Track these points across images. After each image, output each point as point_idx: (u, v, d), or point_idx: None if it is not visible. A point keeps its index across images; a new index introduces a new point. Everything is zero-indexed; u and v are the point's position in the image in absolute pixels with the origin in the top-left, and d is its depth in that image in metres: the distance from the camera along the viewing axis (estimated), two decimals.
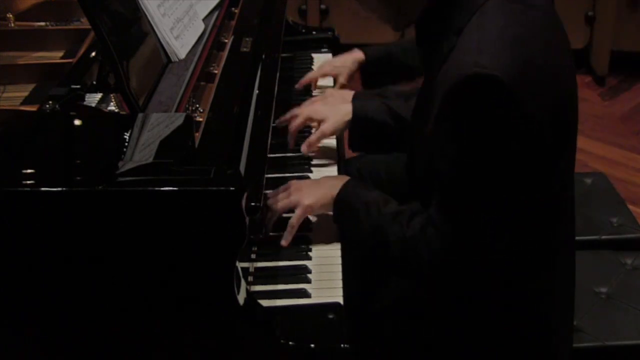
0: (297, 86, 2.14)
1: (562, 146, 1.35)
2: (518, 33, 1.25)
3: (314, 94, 2.18)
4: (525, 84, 1.21)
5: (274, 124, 1.81)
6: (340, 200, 1.51)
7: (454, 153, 1.26)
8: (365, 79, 2.16)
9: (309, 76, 2.14)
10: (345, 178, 1.56)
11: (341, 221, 1.53)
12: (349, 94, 1.84)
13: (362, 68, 2.14)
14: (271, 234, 1.56)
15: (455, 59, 1.25)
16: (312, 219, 1.62)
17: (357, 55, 2.13)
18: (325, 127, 1.77)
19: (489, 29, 1.25)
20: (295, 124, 1.80)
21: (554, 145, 1.32)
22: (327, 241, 1.57)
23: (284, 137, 1.85)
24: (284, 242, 1.52)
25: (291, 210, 1.54)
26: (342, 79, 2.12)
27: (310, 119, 1.80)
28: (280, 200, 1.54)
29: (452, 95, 1.22)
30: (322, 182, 1.59)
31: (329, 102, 1.83)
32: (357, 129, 1.79)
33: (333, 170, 1.80)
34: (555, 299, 1.51)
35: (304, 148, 1.77)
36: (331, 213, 1.56)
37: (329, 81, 2.22)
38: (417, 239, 1.38)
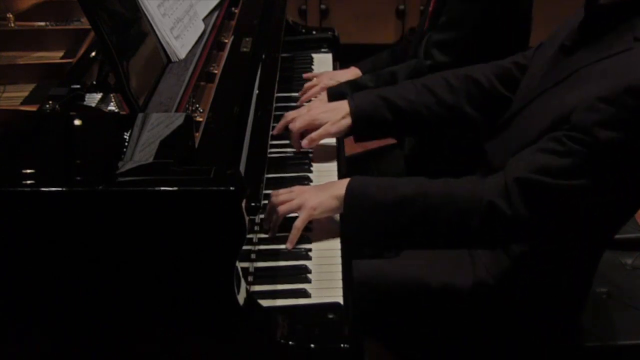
0: (300, 101, 2.13)
1: None
2: None
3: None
4: None
5: (274, 124, 1.82)
6: (351, 194, 1.52)
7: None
8: None
9: (312, 92, 2.13)
10: (348, 178, 1.57)
11: (353, 214, 1.53)
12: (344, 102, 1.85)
13: None
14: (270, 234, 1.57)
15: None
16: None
17: (356, 72, 2.23)
18: (329, 126, 1.79)
19: None
20: (297, 125, 1.80)
21: None
22: (327, 241, 1.57)
23: (285, 137, 1.85)
24: (289, 245, 1.53)
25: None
26: None
27: (312, 125, 1.81)
28: (284, 204, 1.55)
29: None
30: (325, 186, 1.60)
31: (327, 107, 1.84)
32: (358, 127, 1.81)
33: (333, 170, 1.80)
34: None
35: (304, 142, 1.78)
36: (335, 217, 1.58)
37: None
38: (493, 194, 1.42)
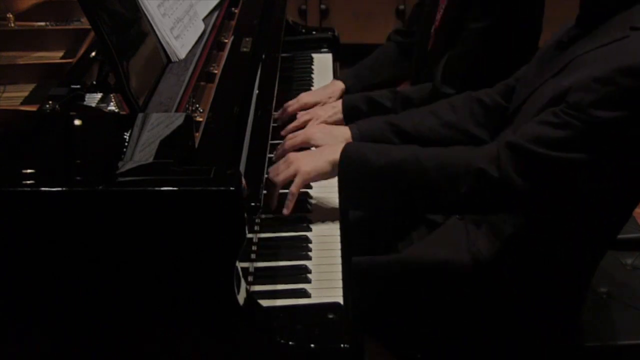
0: (282, 114, 2.05)
1: None
2: None
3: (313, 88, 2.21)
4: None
5: (274, 124, 1.81)
6: (346, 158, 1.54)
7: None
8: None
9: (297, 105, 2.07)
10: (344, 142, 1.60)
11: (347, 178, 1.55)
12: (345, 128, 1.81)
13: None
14: (272, 235, 1.57)
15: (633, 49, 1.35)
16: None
17: (339, 85, 2.18)
18: None
19: None
20: (290, 143, 1.76)
21: None
22: (327, 241, 1.57)
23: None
24: (285, 211, 1.55)
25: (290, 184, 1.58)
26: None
27: (306, 144, 1.77)
28: (281, 173, 1.58)
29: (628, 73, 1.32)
30: (320, 150, 1.62)
31: (327, 130, 1.79)
32: None
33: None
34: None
35: None
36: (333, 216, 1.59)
37: (327, 80, 2.25)
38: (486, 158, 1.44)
